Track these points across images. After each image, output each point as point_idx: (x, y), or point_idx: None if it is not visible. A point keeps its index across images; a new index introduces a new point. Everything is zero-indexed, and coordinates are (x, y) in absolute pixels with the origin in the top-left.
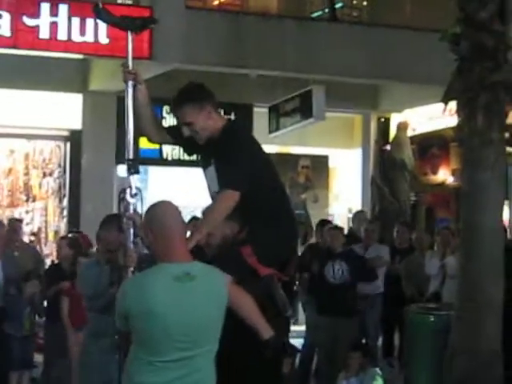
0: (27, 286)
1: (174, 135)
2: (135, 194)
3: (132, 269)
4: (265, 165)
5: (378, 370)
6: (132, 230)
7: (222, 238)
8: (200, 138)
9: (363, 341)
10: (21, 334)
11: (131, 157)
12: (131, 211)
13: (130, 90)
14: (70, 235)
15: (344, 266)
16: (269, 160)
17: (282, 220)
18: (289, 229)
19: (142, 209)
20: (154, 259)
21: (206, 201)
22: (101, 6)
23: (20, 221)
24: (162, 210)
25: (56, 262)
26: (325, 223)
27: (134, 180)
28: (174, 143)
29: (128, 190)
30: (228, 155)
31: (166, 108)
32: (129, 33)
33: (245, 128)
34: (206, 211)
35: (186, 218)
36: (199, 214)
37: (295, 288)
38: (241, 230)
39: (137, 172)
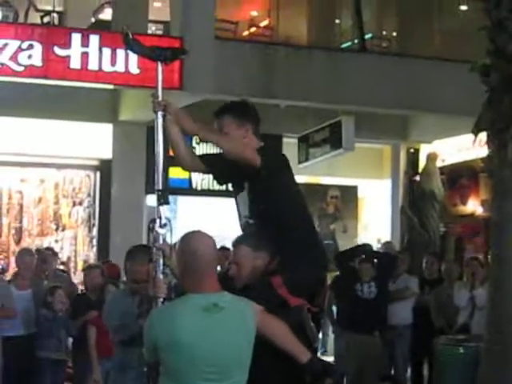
0: (54, 300)
1: (207, 163)
2: (165, 225)
3: (162, 299)
4: (296, 194)
5: None
6: (161, 261)
7: (252, 269)
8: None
9: (392, 372)
10: (57, 356)
11: (161, 187)
12: (161, 241)
13: (160, 121)
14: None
15: (373, 286)
16: (299, 191)
17: (312, 251)
18: (319, 259)
19: (171, 239)
20: (184, 290)
21: (235, 230)
22: (131, 36)
23: (51, 250)
24: (194, 241)
25: (83, 291)
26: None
27: (164, 210)
28: (207, 172)
29: (157, 221)
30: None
31: (195, 138)
32: (159, 63)
33: (281, 154)
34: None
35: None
36: (228, 244)
37: (322, 320)
38: (271, 260)
39: (166, 203)
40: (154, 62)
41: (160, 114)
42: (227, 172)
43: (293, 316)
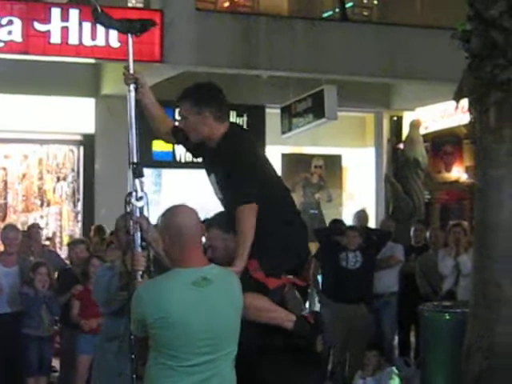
0: (36, 278)
1: (178, 138)
2: (141, 198)
3: (141, 272)
4: (266, 174)
5: (394, 368)
6: (139, 234)
7: (225, 250)
8: (191, 137)
9: (379, 340)
10: (39, 333)
11: (135, 160)
12: (137, 215)
13: (132, 94)
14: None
15: (359, 256)
16: (270, 167)
17: (288, 227)
18: (297, 235)
19: (148, 212)
20: (161, 262)
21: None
22: (100, 10)
23: (37, 226)
24: (179, 215)
25: (67, 267)
26: (337, 223)
27: (140, 183)
28: (179, 144)
29: (134, 194)
30: (230, 168)
31: (178, 111)
32: (129, 36)
33: (243, 138)
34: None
35: None
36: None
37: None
38: None
39: (141, 175)
40: (124, 34)
41: (132, 87)
42: (195, 147)
43: (272, 298)
